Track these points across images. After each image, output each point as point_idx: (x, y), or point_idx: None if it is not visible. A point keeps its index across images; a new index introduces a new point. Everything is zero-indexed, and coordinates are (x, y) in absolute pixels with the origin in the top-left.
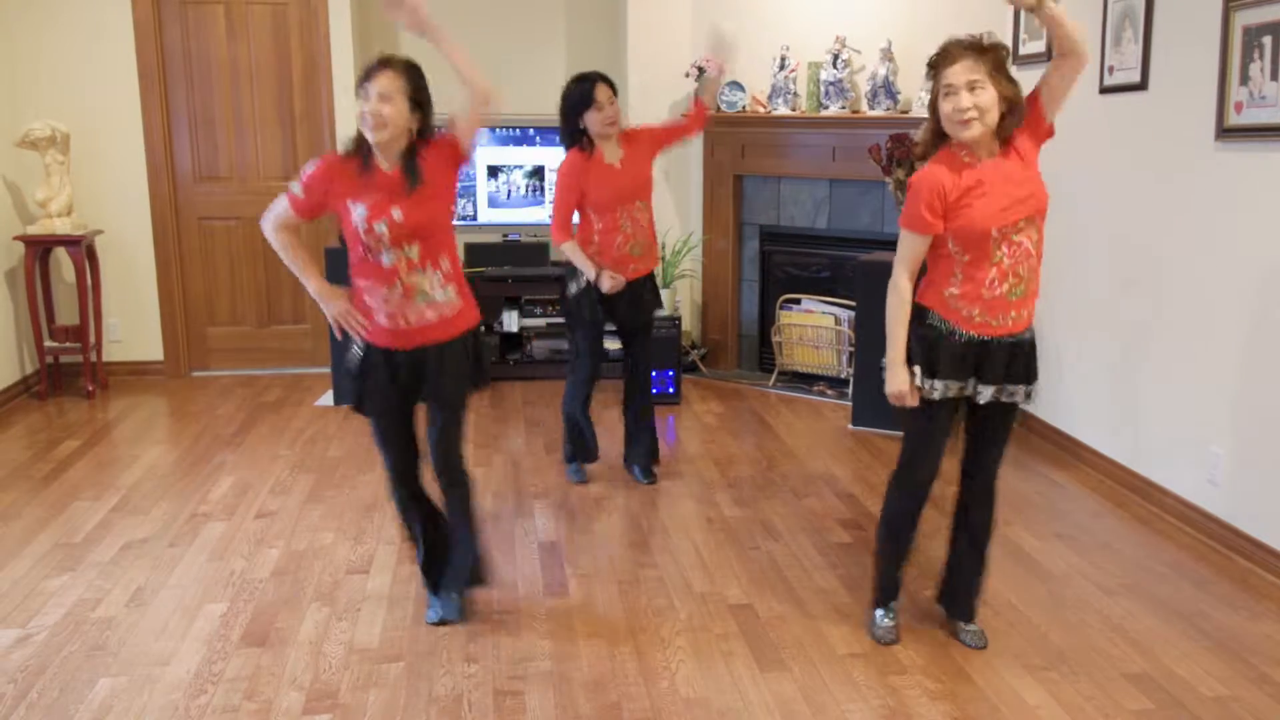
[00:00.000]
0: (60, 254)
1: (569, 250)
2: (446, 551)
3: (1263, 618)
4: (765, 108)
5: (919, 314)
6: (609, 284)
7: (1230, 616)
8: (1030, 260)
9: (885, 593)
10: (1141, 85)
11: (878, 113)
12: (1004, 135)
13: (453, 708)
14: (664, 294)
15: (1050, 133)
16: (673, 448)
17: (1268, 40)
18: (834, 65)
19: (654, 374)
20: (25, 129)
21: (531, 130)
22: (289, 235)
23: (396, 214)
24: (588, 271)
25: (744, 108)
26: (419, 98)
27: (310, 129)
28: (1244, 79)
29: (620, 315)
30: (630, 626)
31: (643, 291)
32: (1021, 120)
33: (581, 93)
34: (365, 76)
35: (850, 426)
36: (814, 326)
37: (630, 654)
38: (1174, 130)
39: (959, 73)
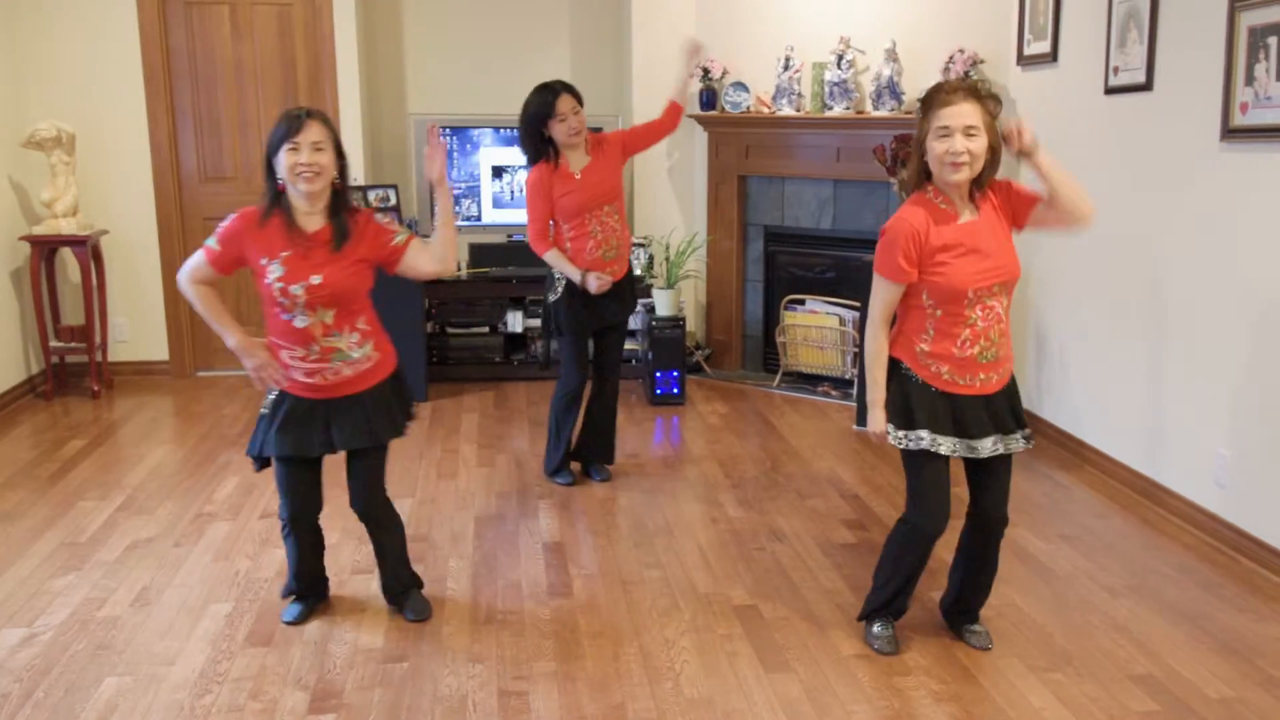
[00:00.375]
0: (66, 254)
1: (551, 259)
2: (319, 572)
3: (1269, 620)
4: (769, 108)
5: (892, 366)
6: (595, 284)
7: (1236, 618)
8: (1000, 325)
9: (885, 610)
10: (1146, 86)
11: (882, 113)
12: (980, 184)
13: (458, 708)
14: (668, 295)
15: (1019, 229)
16: (677, 448)
17: (1273, 41)
18: (838, 66)
19: (658, 374)
20: (31, 129)
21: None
22: (204, 289)
23: (315, 279)
24: (573, 276)
25: (748, 108)
26: (340, 147)
27: None
28: (1249, 79)
29: (602, 317)
30: (635, 627)
31: (623, 294)
32: (995, 170)
33: (543, 103)
34: (293, 129)
35: (855, 427)
36: (818, 327)
37: (635, 654)
38: (1179, 131)
39: (957, 115)
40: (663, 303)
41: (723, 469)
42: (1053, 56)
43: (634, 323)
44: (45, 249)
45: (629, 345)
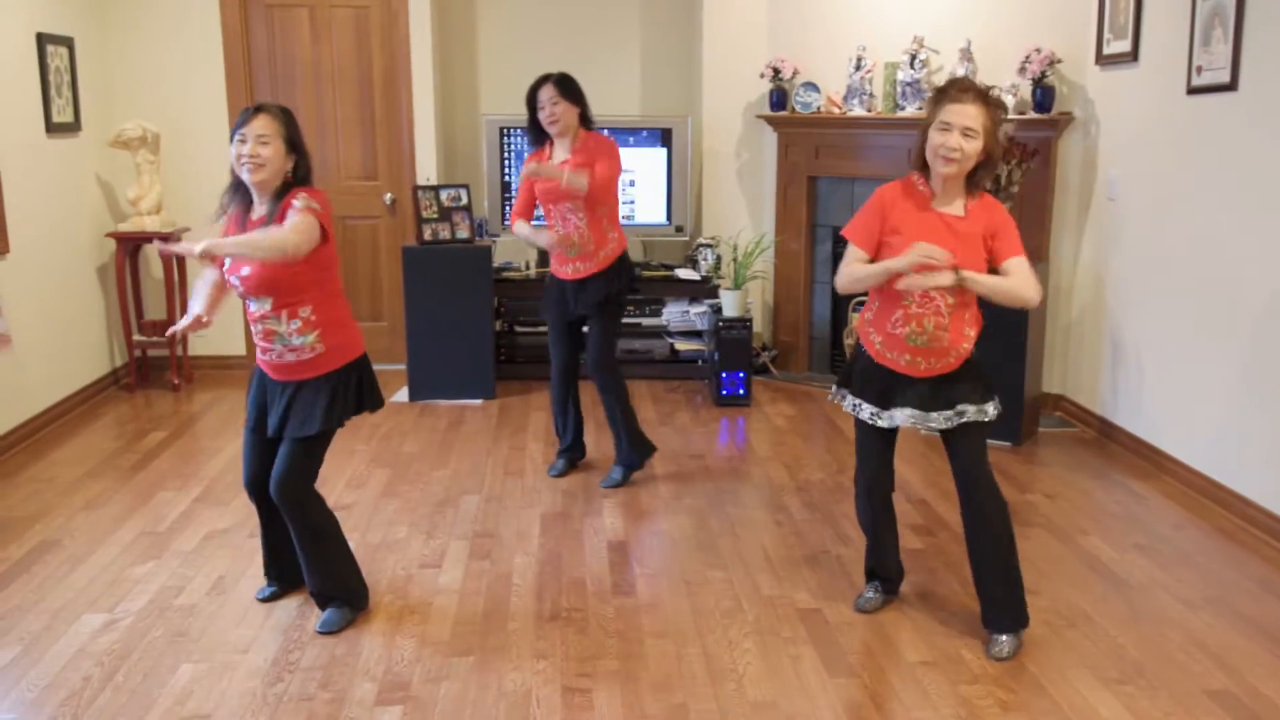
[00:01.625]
0: (149, 250)
1: (518, 229)
2: (282, 547)
3: None
4: (840, 109)
5: (854, 337)
6: (546, 239)
7: None
8: (939, 319)
9: (871, 574)
10: (1231, 86)
11: None
12: (971, 187)
13: (521, 703)
14: (736, 296)
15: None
16: (742, 450)
17: None
18: (911, 65)
19: (724, 375)
20: (118, 129)
21: (605, 130)
22: (203, 298)
23: (245, 270)
24: (541, 242)
25: (819, 108)
26: (294, 140)
27: (390, 130)
28: None
29: (568, 308)
30: (698, 627)
31: (589, 289)
32: (990, 175)
33: (531, 91)
34: (242, 121)
35: (922, 431)
36: None
37: (698, 655)
38: (1264, 133)
39: (959, 114)
40: (730, 303)
41: (788, 471)
42: (1133, 56)
43: (700, 323)
44: (130, 245)
45: (695, 345)
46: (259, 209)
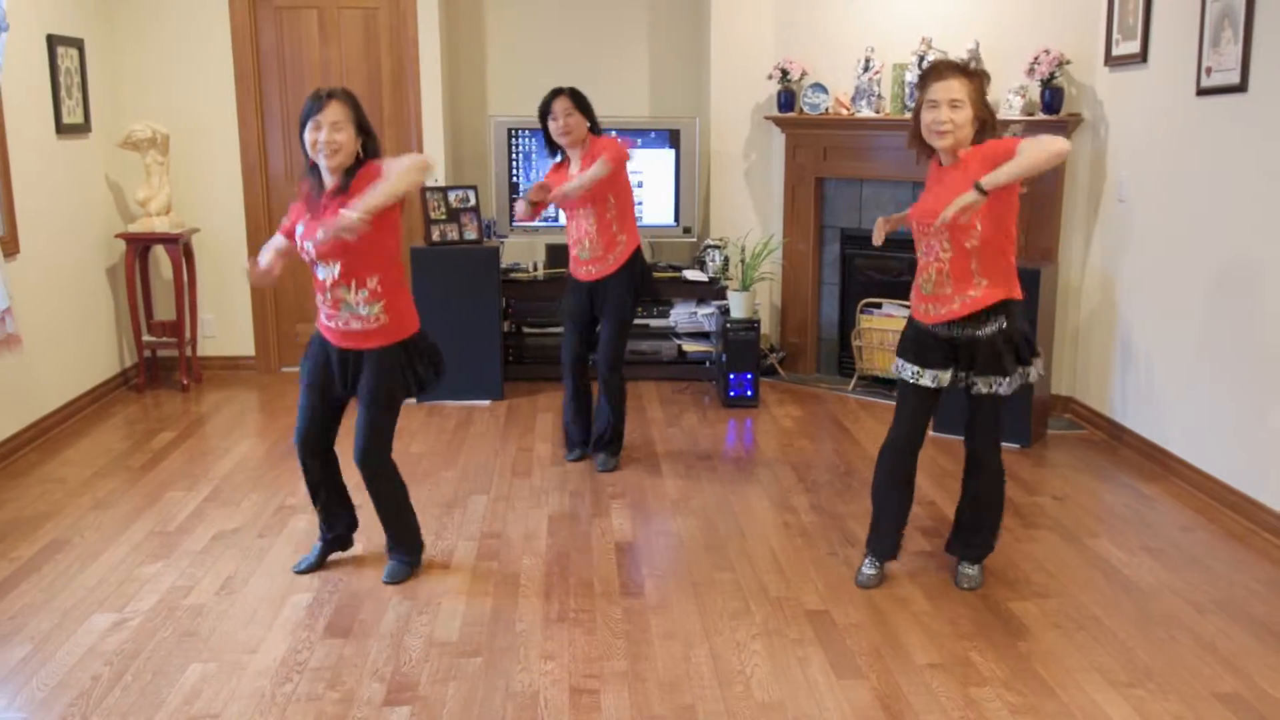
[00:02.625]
0: (159, 251)
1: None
2: (334, 507)
3: None
4: (848, 110)
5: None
6: (524, 206)
7: None
8: (940, 265)
9: (870, 543)
10: (1241, 87)
11: None
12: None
13: (529, 704)
14: (743, 297)
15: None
16: (750, 451)
17: None
18: (919, 66)
19: (732, 377)
20: (127, 130)
21: (614, 131)
22: (271, 252)
23: (320, 234)
24: (520, 208)
25: (827, 110)
26: (362, 122)
27: (398, 130)
28: None
29: (584, 307)
30: (705, 629)
31: (604, 290)
32: (992, 136)
33: (544, 102)
34: (315, 107)
35: (931, 433)
36: (895, 331)
37: (705, 656)
38: (1274, 133)
39: (943, 90)
40: (737, 305)
41: (796, 473)
42: (1142, 57)
43: (707, 324)
44: (139, 246)
45: (702, 346)
46: (330, 185)
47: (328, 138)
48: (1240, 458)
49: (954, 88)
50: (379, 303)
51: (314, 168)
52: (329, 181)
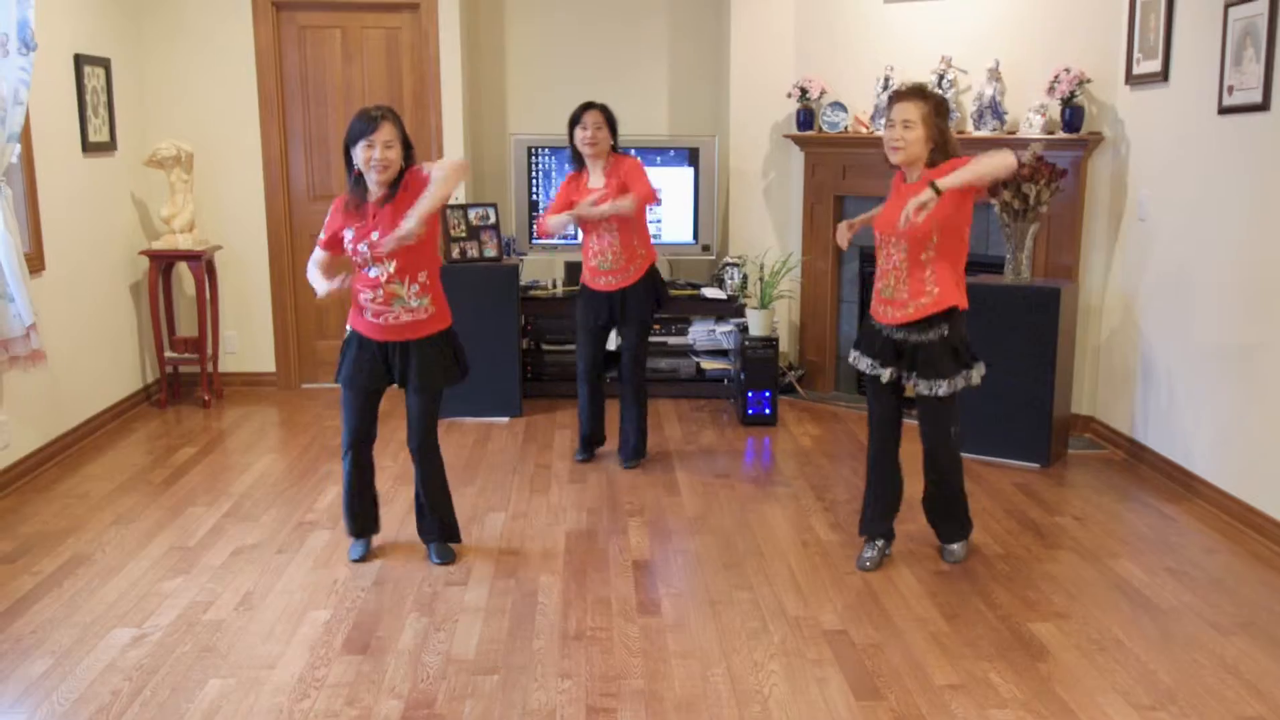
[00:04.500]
0: (182, 268)
1: (550, 220)
2: (370, 499)
3: None
4: (867, 128)
5: None
6: (560, 223)
7: None
8: (898, 273)
9: (863, 527)
10: (1263, 106)
11: (983, 133)
12: (933, 165)
13: None
14: (762, 315)
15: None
16: (768, 469)
17: None
18: (939, 85)
19: (750, 395)
20: (153, 149)
21: (632, 150)
22: (317, 269)
23: (374, 235)
24: (556, 224)
25: (846, 128)
26: (405, 139)
27: (419, 148)
28: None
29: (599, 315)
30: (723, 648)
31: (625, 300)
32: (946, 157)
33: (577, 113)
34: (368, 128)
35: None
36: None
37: (722, 676)
38: None
39: (898, 111)
40: (756, 322)
41: (814, 491)
42: (1163, 76)
43: (726, 342)
44: (163, 263)
45: (721, 364)
46: (375, 196)
47: (380, 156)
48: (1264, 479)
49: (907, 109)
50: (427, 295)
51: (358, 179)
52: (375, 192)
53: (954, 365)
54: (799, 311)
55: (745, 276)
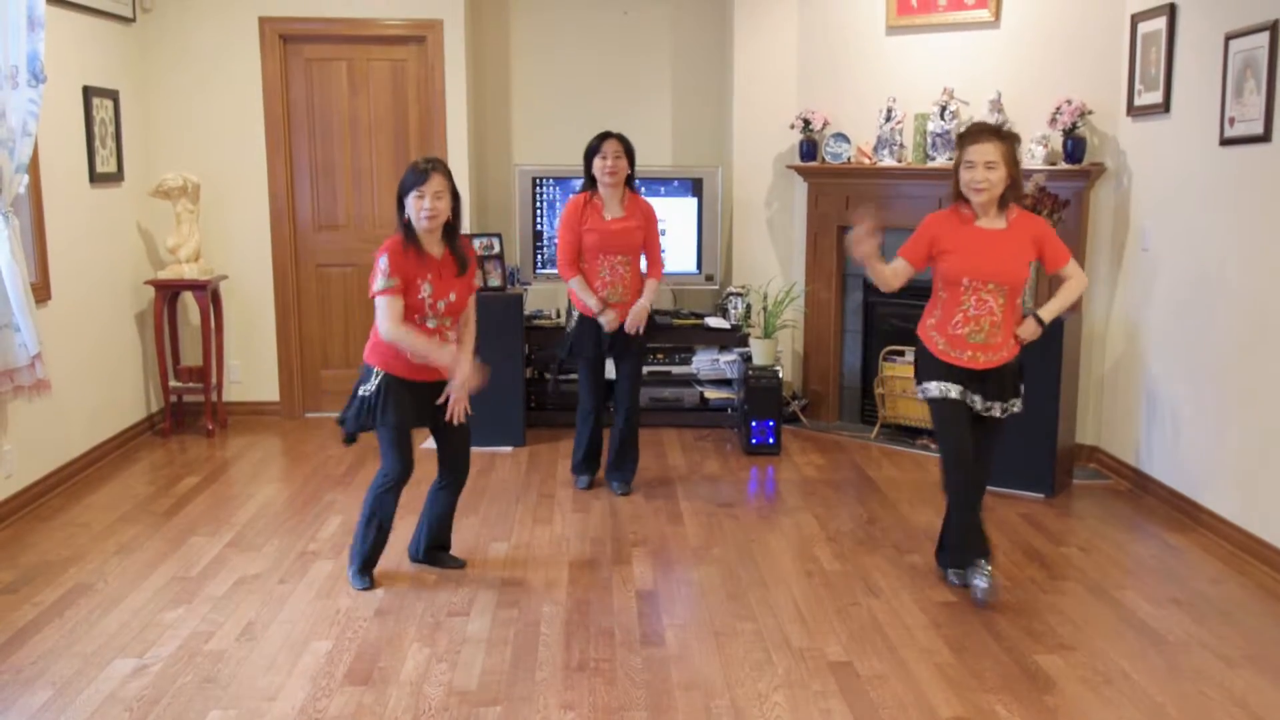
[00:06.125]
0: (187, 298)
1: (575, 285)
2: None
3: None
4: (870, 159)
5: (916, 343)
6: (607, 323)
7: None
8: (993, 318)
9: (951, 554)
10: (1264, 137)
11: None
12: (1002, 205)
13: None
14: (765, 344)
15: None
16: (772, 499)
17: None
18: (941, 116)
19: (754, 424)
20: (159, 179)
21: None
22: (407, 325)
23: (452, 296)
24: (593, 306)
25: (849, 159)
26: (454, 189)
27: None
28: None
29: (607, 346)
30: (727, 679)
31: (627, 333)
32: (1018, 197)
33: (596, 142)
34: (421, 178)
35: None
36: None
37: (726, 707)
38: None
39: (978, 153)
40: (759, 352)
41: (818, 521)
42: (1165, 107)
43: (730, 371)
44: (168, 293)
45: (724, 394)
46: (435, 247)
47: (430, 205)
48: (1270, 508)
49: (988, 151)
50: (454, 339)
51: (407, 225)
52: (424, 239)
53: (1020, 382)
54: (802, 341)
55: (749, 306)
